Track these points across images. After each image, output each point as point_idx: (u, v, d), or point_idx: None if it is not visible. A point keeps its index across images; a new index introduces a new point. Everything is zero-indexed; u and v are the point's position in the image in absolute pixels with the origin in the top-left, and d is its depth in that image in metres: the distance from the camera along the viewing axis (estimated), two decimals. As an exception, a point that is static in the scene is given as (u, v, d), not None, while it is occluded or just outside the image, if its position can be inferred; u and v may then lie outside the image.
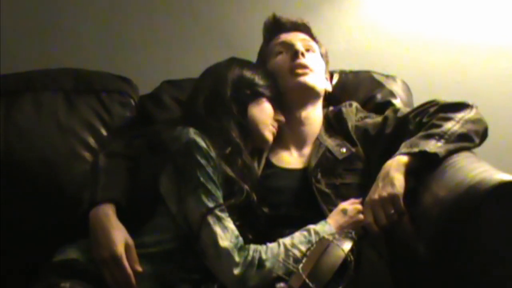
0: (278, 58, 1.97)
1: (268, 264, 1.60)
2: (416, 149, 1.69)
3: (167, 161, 1.69)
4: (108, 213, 1.67)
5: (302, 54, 1.93)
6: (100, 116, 2.09)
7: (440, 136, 1.71)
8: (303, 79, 1.92)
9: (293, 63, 1.93)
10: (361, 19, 2.42)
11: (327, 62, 2.05)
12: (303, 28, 2.02)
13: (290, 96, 1.93)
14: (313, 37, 2.03)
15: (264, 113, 1.85)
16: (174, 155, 1.67)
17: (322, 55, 2.03)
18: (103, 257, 1.62)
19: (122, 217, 1.68)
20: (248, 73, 1.85)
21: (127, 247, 1.63)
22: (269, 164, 1.89)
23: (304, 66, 1.92)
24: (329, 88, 2.03)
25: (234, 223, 1.64)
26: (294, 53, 1.93)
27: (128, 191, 1.73)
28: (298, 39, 1.98)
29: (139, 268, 1.62)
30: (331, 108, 2.03)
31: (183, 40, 2.42)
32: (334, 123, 1.97)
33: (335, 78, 2.14)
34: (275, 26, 2.03)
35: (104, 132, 2.08)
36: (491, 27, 2.42)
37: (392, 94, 2.13)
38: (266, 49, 2.02)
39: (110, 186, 1.73)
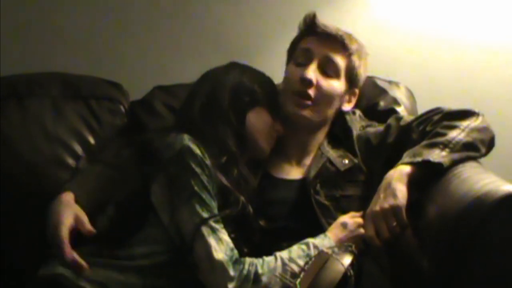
0: (293, 69, 1.94)
1: (264, 279, 1.62)
2: (419, 159, 1.71)
3: (160, 169, 1.68)
4: (65, 199, 1.70)
5: (310, 83, 1.89)
6: (88, 124, 2.11)
7: (444, 145, 1.73)
8: (299, 110, 1.90)
9: (298, 87, 1.90)
10: (363, 22, 2.42)
11: (356, 78, 1.98)
12: (335, 41, 1.93)
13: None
14: (347, 51, 1.94)
15: (263, 123, 1.86)
16: (167, 162, 1.67)
17: (350, 71, 1.95)
18: (49, 240, 1.66)
19: (112, 228, 1.69)
20: (248, 80, 1.86)
21: (77, 220, 1.66)
22: (266, 175, 1.91)
23: (306, 97, 1.89)
24: (346, 109, 2.00)
25: (229, 235, 1.65)
26: (303, 80, 1.89)
27: (94, 195, 1.74)
28: (323, 55, 1.92)
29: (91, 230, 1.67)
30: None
31: (176, 44, 2.42)
32: (338, 132, 1.98)
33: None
34: (309, 26, 1.97)
35: (92, 141, 2.09)
36: (500, 30, 2.44)
37: (396, 101, 2.14)
38: (296, 46, 1.99)
39: (76, 183, 1.77)
